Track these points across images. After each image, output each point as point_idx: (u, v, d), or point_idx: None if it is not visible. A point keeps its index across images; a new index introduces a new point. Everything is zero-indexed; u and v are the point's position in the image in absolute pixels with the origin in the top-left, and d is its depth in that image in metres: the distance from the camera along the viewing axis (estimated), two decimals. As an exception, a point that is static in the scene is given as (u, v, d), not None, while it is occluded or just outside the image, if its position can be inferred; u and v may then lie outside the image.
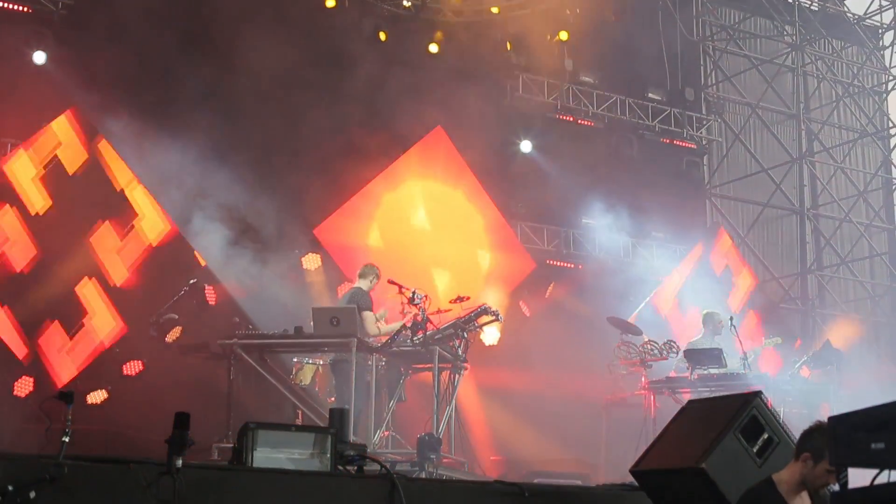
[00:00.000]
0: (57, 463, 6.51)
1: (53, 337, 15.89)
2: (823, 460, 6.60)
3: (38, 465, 6.52)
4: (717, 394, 13.39)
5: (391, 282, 13.59)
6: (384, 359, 13.62)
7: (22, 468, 6.51)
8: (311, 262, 18.16)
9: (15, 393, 15.24)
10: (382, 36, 19.99)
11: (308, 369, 14.20)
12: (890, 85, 27.94)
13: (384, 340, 13.51)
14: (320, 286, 17.53)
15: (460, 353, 13.62)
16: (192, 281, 16.03)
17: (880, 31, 28.13)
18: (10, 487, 6.32)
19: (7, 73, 16.47)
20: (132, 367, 16.11)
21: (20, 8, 17.18)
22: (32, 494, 6.38)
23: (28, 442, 11.25)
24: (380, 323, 13.98)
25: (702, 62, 25.94)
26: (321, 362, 14.22)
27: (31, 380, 15.40)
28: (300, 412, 13.14)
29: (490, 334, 18.83)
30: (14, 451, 7.11)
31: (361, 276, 14.46)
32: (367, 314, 13.52)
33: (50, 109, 16.62)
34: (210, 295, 16.45)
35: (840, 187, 26.97)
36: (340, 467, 8.26)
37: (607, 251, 22.61)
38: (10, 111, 16.48)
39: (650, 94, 23.73)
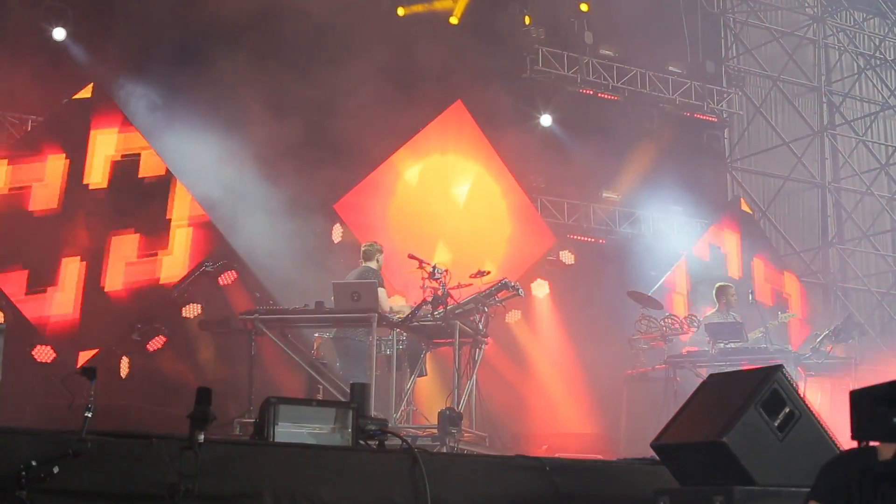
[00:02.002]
0: (80, 438, 6.54)
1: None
2: None
3: (61, 441, 6.55)
4: (737, 368, 13.42)
5: (411, 256, 13.59)
6: (405, 334, 13.64)
7: (45, 443, 6.55)
8: (337, 234, 18.21)
9: (39, 360, 15.31)
10: (401, 11, 19.94)
11: (330, 344, 14.26)
12: (912, 57, 27.81)
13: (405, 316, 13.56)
14: (341, 260, 17.53)
15: (481, 327, 13.63)
16: (216, 264, 16.13)
17: (903, 2, 27.94)
18: (34, 462, 6.36)
19: (27, 49, 16.48)
20: (154, 342, 16.16)
21: (40, -16, 17.20)
22: (56, 469, 6.41)
23: (51, 417, 11.32)
24: (393, 303, 14.03)
25: (722, 35, 25.83)
26: (316, 335, 14.29)
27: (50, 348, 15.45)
28: (321, 387, 13.16)
29: (511, 313, 18.81)
30: (37, 427, 7.15)
31: (367, 256, 14.42)
32: (381, 290, 13.46)
33: (70, 86, 16.62)
34: (225, 277, 16.45)
35: (862, 160, 26.85)
36: (362, 442, 8.29)
37: (627, 225, 22.59)
38: (31, 88, 16.49)
39: (670, 67, 23.62)
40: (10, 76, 16.48)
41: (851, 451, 6.67)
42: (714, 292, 16.97)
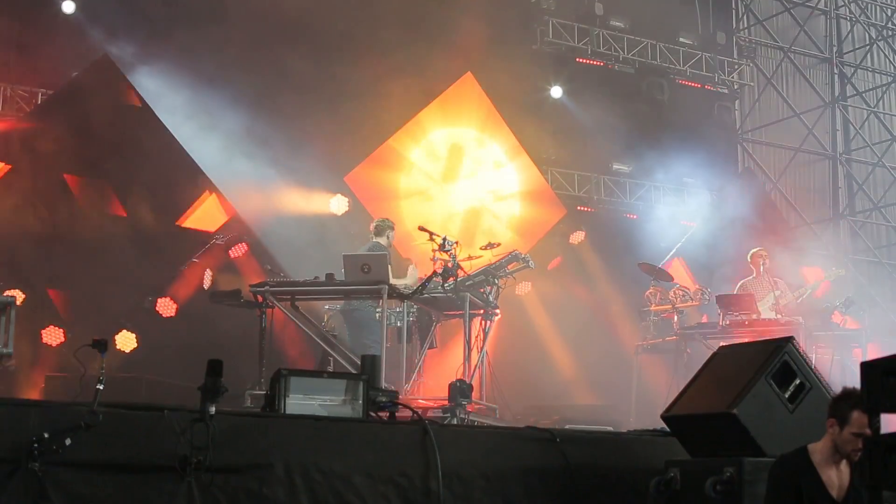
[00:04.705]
0: (91, 410, 6.58)
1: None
2: (848, 425, 6.64)
3: (74, 413, 6.59)
4: (748, 339, 13.40)
5: (422, 228, 13.56)
6: (415, 306, 13.63)
7: (57, 415, 6.58)
8: (339, 205, 18.14)
9: (44, 341, 15.31)
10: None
11: (340, 316, 14.26)
12: (924, 27, 27.66)
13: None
14: (350, 233, 17.54)
15: (491, 299, 13.63)
16: (217, 238, 16.14)
17: (915, -28, 27.79)
18: (46, 434, 6.40)
19: (37, 22, 16.46)
20: (237, 249, 16.21)
21: (48, -43, 17.16)
22: (68, 441, 6.45)
23: (63, 390, 11.35)
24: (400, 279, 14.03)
25: (733, 5, 25.71)
26: (327, 307, 14.28)
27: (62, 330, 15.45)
28: (332, 359, 13.16)
29: (521, 286, 18.79)
30: (49, 399, 7.18)
31: (377, 233, 14.40)
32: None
33: (80, 59, 16.60)
34: (235, 250, 16.46)
35: (873, 132, 26.76)
36: (372, 414, 8.31)
37: (638, 197, 22.55)
38: (41, 61, 16.49)
39: (681, 39, 23.55)
40: (20, 50, 16.48)
41: (788, 454, 6.84)
42: (749, 258, 16.87)
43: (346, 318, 13.96)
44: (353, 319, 13.74)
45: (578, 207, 21.61)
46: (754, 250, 16.95)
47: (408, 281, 13.76)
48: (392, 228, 14.49)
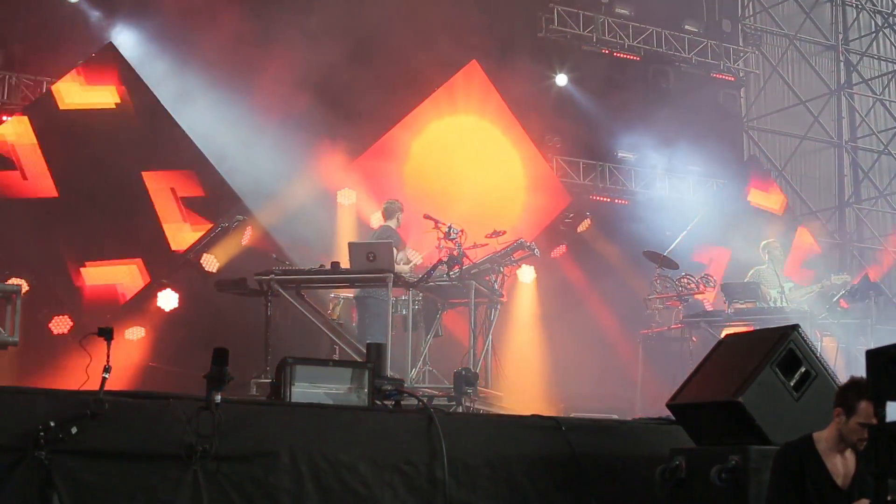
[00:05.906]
0: (98, 398, 6.58)
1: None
2: (855, 415, 6.60)
3: (80, 401, 6.59)
4: (754, 327, 13.38)
5: (427, 217, 13.55)
6: (420, 294, 13.62)
7: (63, 404, 6.59)
8: (347, 197, 18.16)
9: (55, 332, 15.35)
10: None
11: (346, 305, 14.24)
12: (931, 14, 27.60)
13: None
14: (356, 221, 17.55)
15: (497, 287, 13.63)
16: (238, 218, 16.18)
17: (921, -42, 27.72)
18: (52, 423, 6.40)
19: (42, 11, 16.46)
20: (171, 297, 16.24)
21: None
22: (74, 430, 6.46)
23: (69, 378, 11.37)
24: (408, 257, 14.06)
25: (739, -7, 25.71)
26: (342, 296, 14.27)
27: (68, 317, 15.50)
28: (337, 347, 13.16)
29: (526, 274, 18.83)
30: (55, 388, 7.18)
31: (388, 215, 14.43)
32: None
33: (85, 47, 16.60)
34: (246, 235, 16.50)
35: (879, 119, 26.73)
36: (378, 402, 8.31)
37: (643, 185, 22.52)
38: (46, 50, 16.48)
39: (687, 26, 23.53)
40: (25, 39, 16.48)
41: (793, 442, 6.83)
42: (761, 249, 16.85)
43: (358, 305, 13.92)
44: (366, 306, 13.68)
45: (586, 196, 21.60)
46: (766, 241, 16.95)
47: (404, 267, 13.79)
48: (401, 210, 14.48)
